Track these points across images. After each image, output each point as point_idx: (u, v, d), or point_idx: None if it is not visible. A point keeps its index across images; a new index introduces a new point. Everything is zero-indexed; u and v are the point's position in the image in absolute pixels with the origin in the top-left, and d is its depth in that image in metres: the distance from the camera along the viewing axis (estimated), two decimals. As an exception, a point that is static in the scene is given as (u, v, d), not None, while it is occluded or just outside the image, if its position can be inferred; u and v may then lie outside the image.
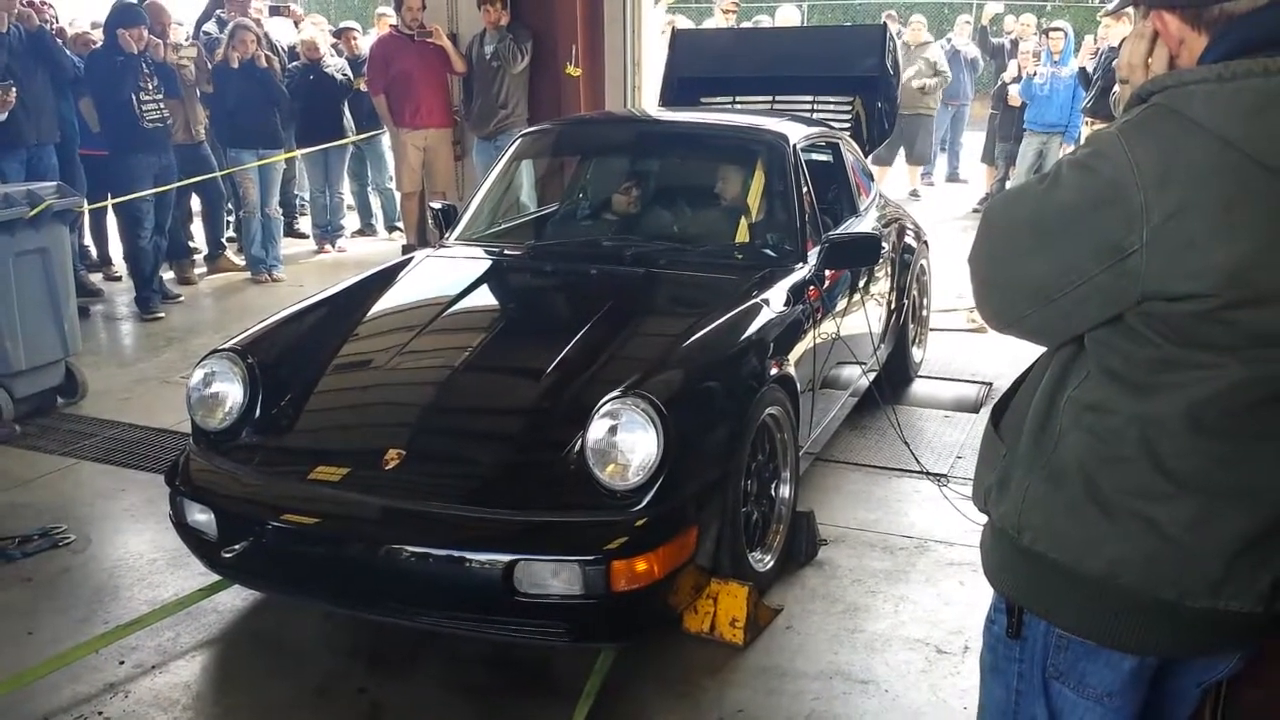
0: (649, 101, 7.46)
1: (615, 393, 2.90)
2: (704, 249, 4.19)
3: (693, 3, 15.84)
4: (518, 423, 3.23)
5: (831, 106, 5.66)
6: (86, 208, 6.85)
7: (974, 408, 5.22)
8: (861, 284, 4.45)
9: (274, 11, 9.63)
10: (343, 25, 9.95)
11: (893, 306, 5.02)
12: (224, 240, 8.41)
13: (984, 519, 1.63)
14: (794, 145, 4.30)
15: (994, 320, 1.53)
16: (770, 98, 5.74)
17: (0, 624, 3.35)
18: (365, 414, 3.42)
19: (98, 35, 7.78)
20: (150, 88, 6.84)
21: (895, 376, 5.20)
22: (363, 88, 8.49)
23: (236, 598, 3.46)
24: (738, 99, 5.84)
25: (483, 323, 3.74)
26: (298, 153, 8.64)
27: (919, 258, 5.48)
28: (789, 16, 10.74)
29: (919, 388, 5.50)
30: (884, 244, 4.37)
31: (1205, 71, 1.32)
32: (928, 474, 4.27)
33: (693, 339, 3.30)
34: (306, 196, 9.54)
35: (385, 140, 9.04)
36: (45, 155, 6.71)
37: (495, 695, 3.01)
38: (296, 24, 9.71)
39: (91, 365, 5.74)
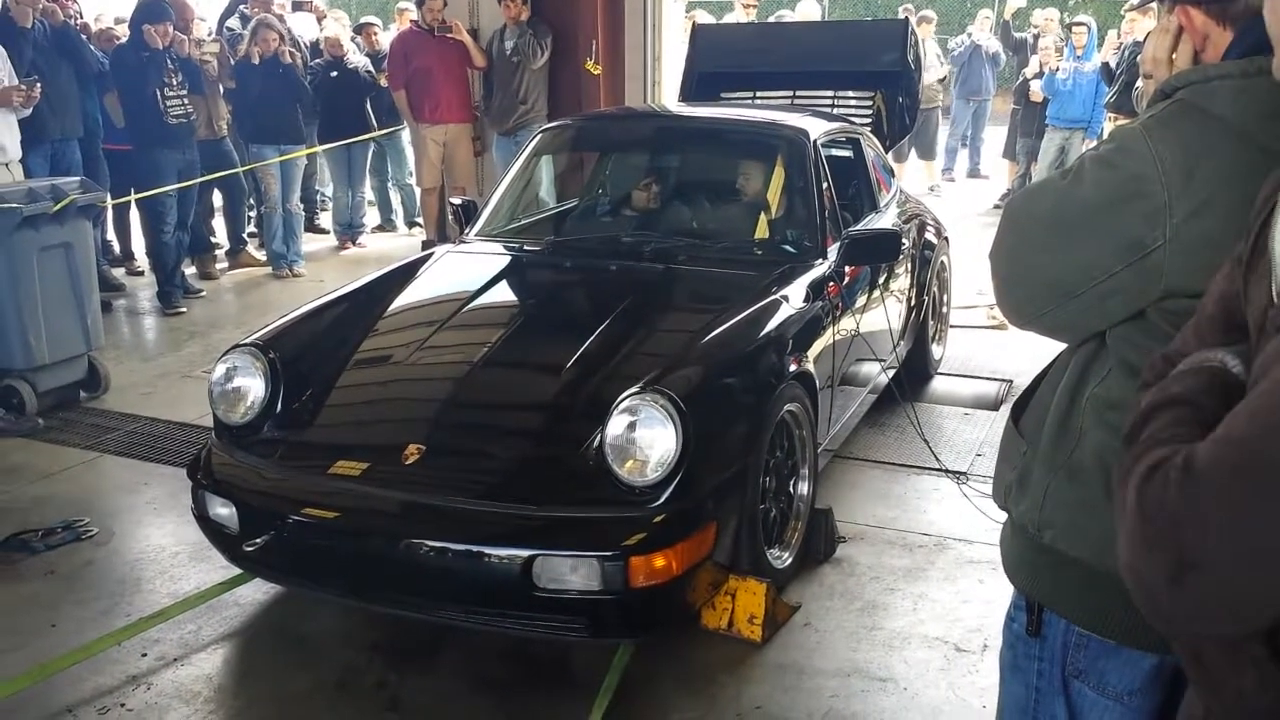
0: (669, 97, 7.45)
1: (634, 388, 2.90)
2: (723, 245, 4.19)
3: (713, -2, 15.80)
4: (537, 418, 3.23)
5: (852, 102, 5.64)
6: (110, 203, 6.90)
7: (994, 405, 5.19)
8: (881, 280, 4.44)
9: (296, 7, 9.66)
10: (363, 21, 9.97)
11: (912, 303, 4.99)
12: (245, 235, 8.44)
13: (1004, 517, 1.62)
14: (814, 141, 4.29)
15: (1015, 316, 1.51)
16: (791, 93, 5.72)
17: (24, 616, 3.39)
18: (385, 409, 3.44)
19: (122, 31, 7.84)
20: (174, 83, 6.89)
21: (915, 373, 5.17)
22: (384, 83, 8.52)
23: (257, 591, 3.48)
24: (758, 94, 5.82)
25: (502, 318, 3.74)
26: (319, 149, 8.67)
27: (939, 254, 5.45)
28: (809, 11, 10.69)
29: (939, 385, 5.48)
30: (904, 240, 4.36)
31: (1230, 67, 1.31)
32: (947, 471, 4.26)
33: (712, 335, 3.30)
34: (328, 192, 9.58)
35: (405, 136, 9.07)
36: (69, 150, 6.75)
37: (514, 689, 3.02)
38: (319, 19, 9.74)
39: (114, 359, 5.80)
